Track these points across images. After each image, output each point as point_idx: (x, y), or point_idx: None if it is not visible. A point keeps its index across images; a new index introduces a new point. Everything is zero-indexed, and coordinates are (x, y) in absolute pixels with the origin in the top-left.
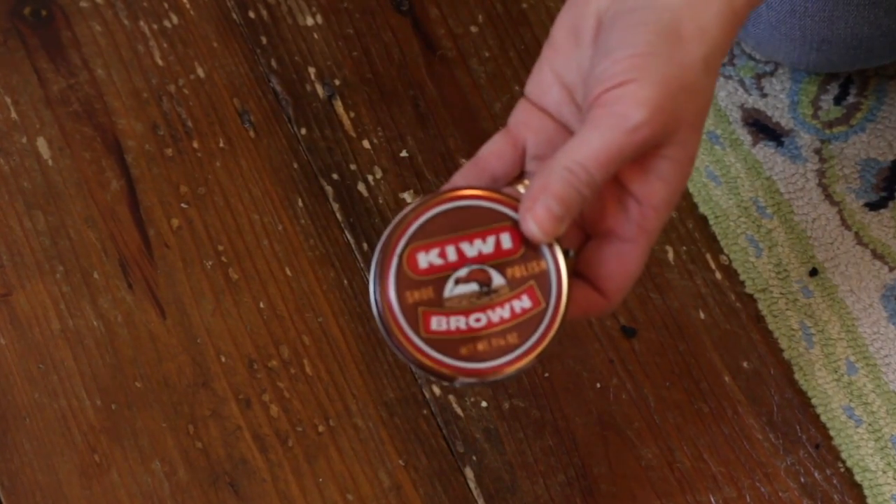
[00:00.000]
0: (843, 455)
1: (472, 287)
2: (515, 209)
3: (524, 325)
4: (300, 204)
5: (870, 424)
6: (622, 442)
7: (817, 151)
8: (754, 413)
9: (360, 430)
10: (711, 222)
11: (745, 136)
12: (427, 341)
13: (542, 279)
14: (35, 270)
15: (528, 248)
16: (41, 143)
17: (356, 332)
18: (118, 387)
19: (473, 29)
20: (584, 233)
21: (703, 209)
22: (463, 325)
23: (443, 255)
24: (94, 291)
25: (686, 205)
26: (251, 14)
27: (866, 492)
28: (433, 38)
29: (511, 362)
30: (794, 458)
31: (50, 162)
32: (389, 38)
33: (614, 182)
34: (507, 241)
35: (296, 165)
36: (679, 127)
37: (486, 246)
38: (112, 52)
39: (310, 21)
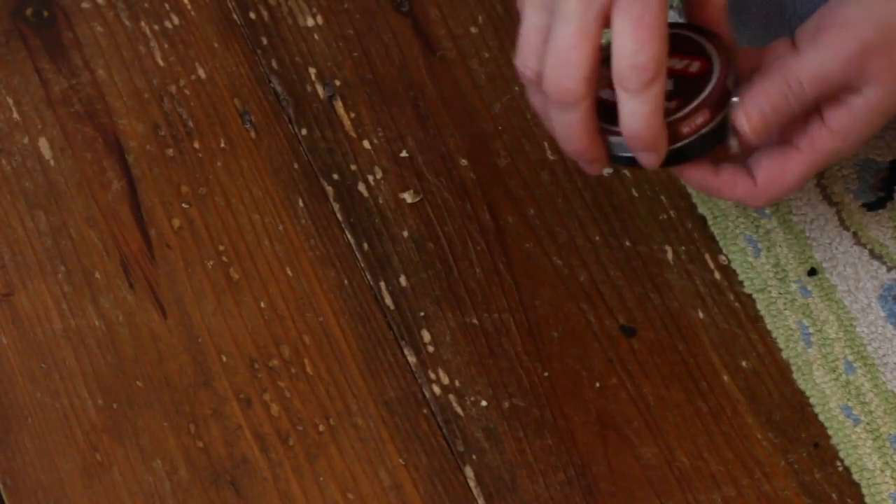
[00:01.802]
0: (842, 454)
1: None
2: (714, 46)
3: None
4: (301, 204)
5: (868, 424)
6: (621, 441)
7: None
8: (753, 412)
9: (360, 429)
10: (710, 222)
11: None
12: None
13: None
14: (37, 270)
15: (706, 74)
16: (43, 144)
17: (356, 331)
18: (120, 386)
19: (473, 30)
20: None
21: (701, 209)
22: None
23: None
24: (96, 291)
25: (685, 205)
26: (252, 15)
27: (864, 490)
28: (433, 38)
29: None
30: (792, 456)
31: (51, 162)
32: (389, 38)
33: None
34: (695, 66)
35: (296, 166)
36: (884, 73)
37: (679, 63)
38: (113, 53)
39: (310, 22)
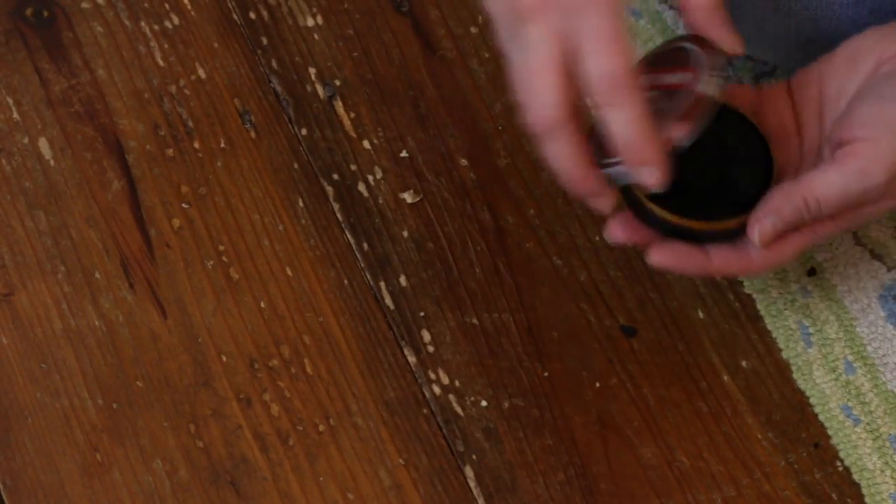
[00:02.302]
0: (842, 454)
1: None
2: (702, 52)
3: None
4: (301, 204)
5: (868, 424)
6: (621, 441)
7: None
8: (753, 412)
9: (360, 429)
10: None
11: None
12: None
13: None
14: (37, 270)
15: (697, 78)
16: (43, 144)
17: (356, 331)
18: (120, 386)
19: (473, 30)
20: None
21: None
22: None
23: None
24: (96, 291)
25: None
26: (252, 15)
27: (864, 490)
28: (433, 38)
29: None
30: (792, 456)
31: (51, 162)
32: (389, 38)
33: None
34: (687, 78)
35: (296, 166)
36: None
37: (672, 78)
38: (113, 53)
39: (310, 22)
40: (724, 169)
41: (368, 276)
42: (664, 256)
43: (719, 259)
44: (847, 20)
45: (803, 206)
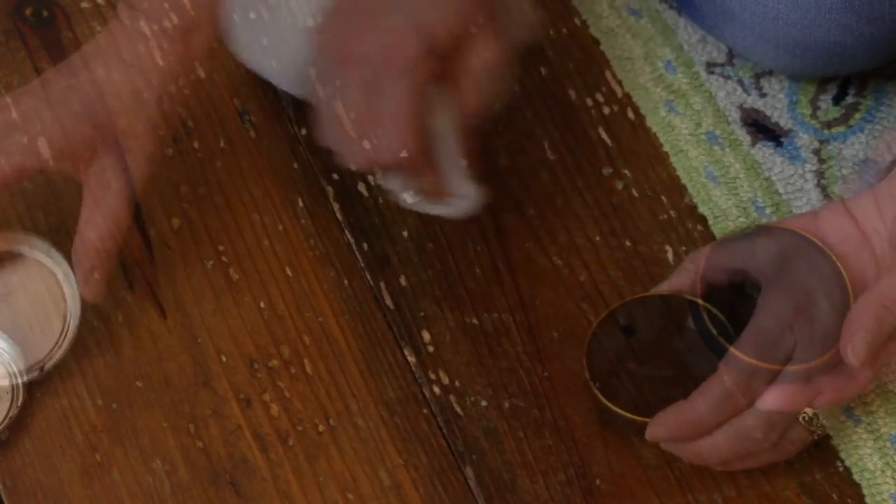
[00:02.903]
0: (842, 454)
1: None
2: None
3: None
4: (300, 204)
5: (868, 424)
6: (622, 441)
7: (816, 152)
8: None
9: (360, 429)
10: (710, 222)
11: (744, 137)
12: None
13: None
14: None
15: None
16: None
17: (356, 331)
18: (119, 386)
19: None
20: None
21: (702, 209)
22: None
23: None
24: None
25: (685, 205)
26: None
27: (864, 490)
28: None
29: None
30: (793, 456)
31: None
32: None
33: None
34: None
35: (296, 165)
36: None
37: None
38: None
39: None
40: (803, 304)
41: (368, 276)
42: (776, 399)
43: (831, 390)
44: (842, 27)
45: (885, 312)
